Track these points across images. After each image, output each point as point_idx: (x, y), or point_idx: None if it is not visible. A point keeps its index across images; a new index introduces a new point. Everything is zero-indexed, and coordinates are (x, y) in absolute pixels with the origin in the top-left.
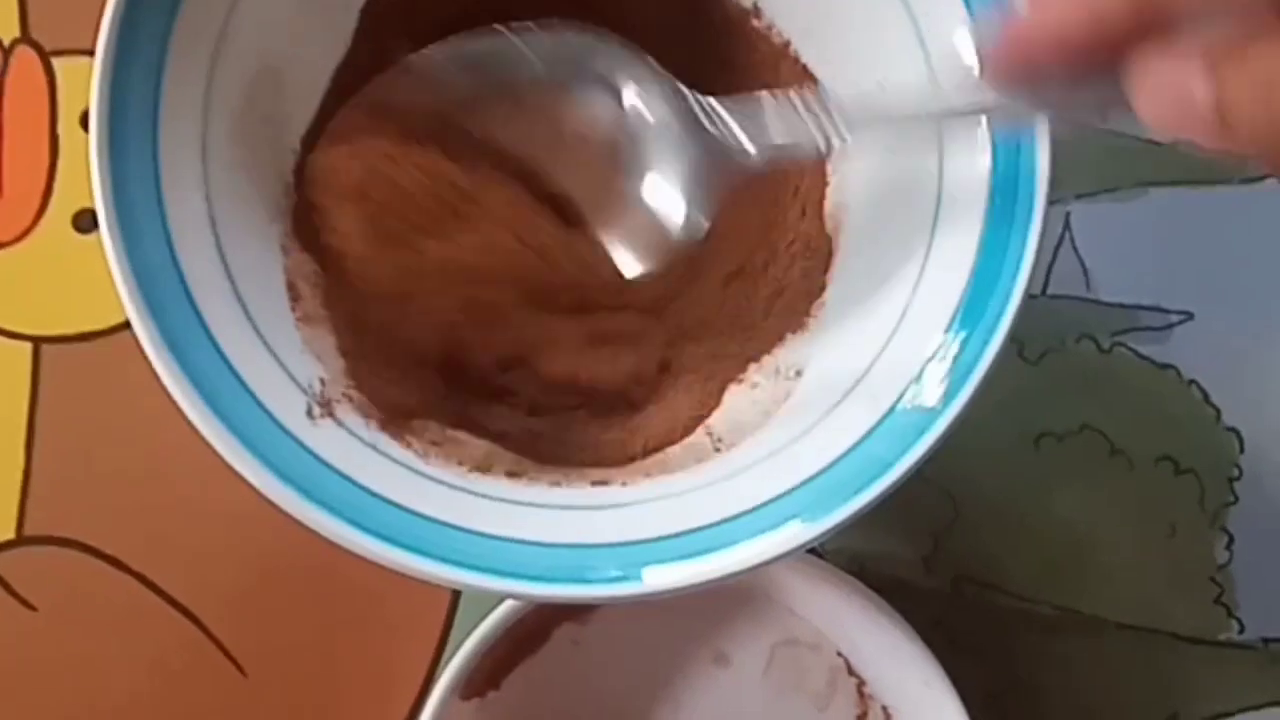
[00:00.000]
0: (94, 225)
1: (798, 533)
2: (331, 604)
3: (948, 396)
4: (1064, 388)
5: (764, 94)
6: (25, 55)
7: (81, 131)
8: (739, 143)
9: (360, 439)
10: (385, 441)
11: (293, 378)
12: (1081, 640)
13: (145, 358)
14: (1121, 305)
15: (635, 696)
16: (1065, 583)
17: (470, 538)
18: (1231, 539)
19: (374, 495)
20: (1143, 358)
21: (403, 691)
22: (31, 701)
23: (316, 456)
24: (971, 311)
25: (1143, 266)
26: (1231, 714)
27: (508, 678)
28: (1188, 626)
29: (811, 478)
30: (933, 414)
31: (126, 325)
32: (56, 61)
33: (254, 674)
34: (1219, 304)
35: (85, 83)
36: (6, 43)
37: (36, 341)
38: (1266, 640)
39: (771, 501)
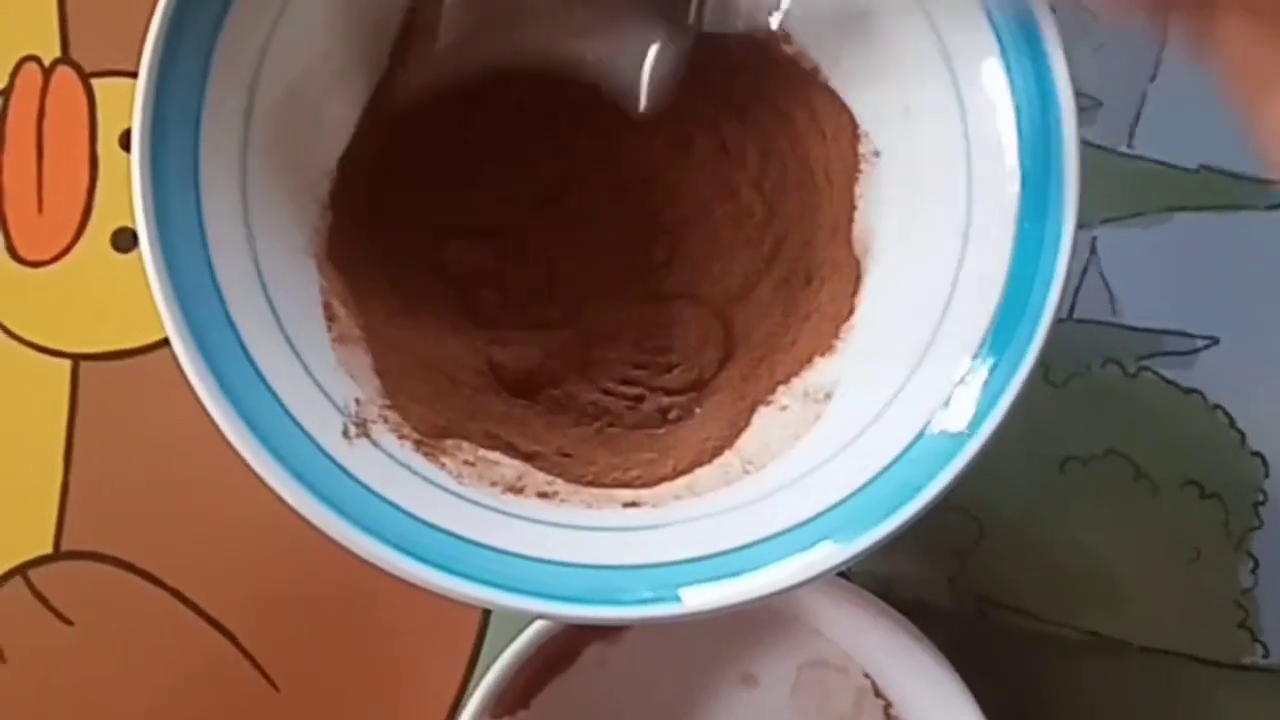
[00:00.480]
0: (133, 244)
1: (830, 554)
2: (364, 621)
3: (976, 422)
4: (1089, 412)
5: None
6: (66, 76)
7: (120, 152)
8: None
9: (395, 459)
10: (419, 462)
11: (329, 398)
12: (1104, 663)
13: (183, 376)
14: (1147, 330)
15: (663, 717)
16: (1089, 606)
17: (503, 558)
18: (1256, 563)
19: (408, 515)
20: (1168, 382)
21: (434, 709)
22: (67, 716)
23: (352, 476)
24: (1000, 337)
25: (1168, 291)
26: None
27: (537, 697)
28: (1211, 651)
29: (842, 500)
30: (961, 439)
31: (164, 343)
32: (96, 82)
33: (286, 689)
34: (1244, 329)
35: (124, 103)
36: (47, 63)
37: (75, 359)
38: None
39: (804, 524)
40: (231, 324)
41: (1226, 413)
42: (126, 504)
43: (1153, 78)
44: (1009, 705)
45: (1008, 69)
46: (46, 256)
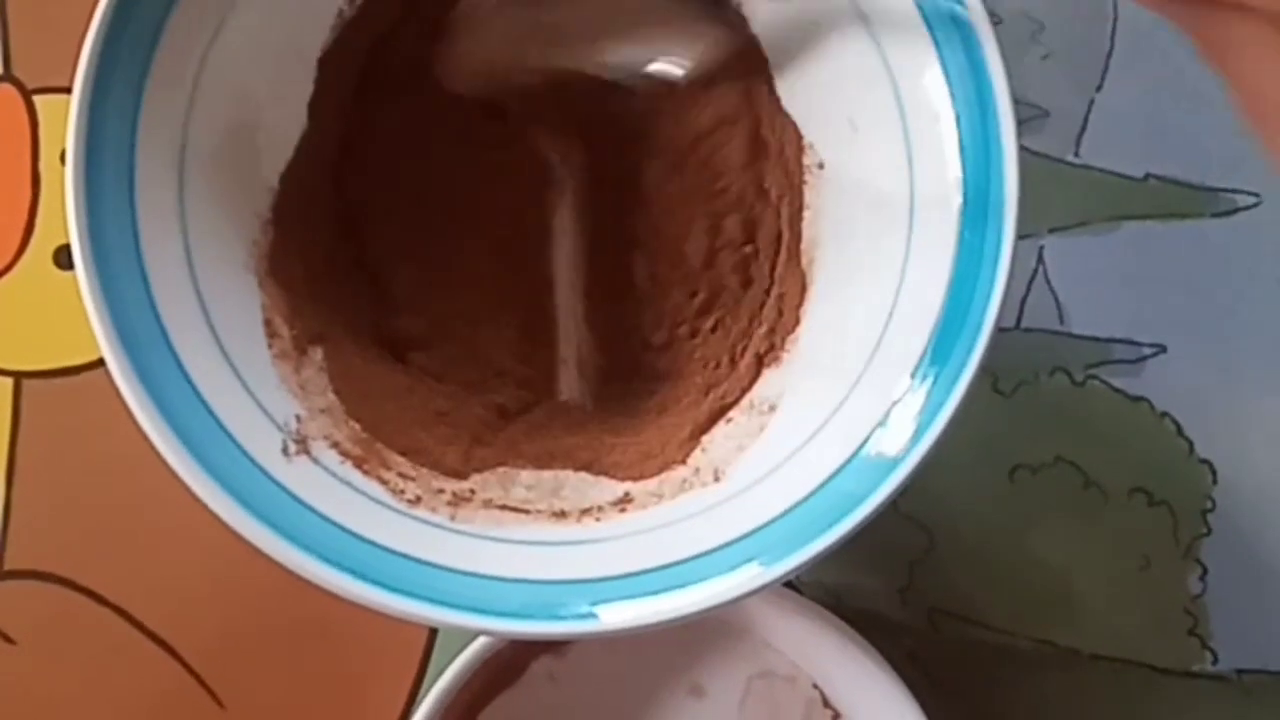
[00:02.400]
0: (73, 262)
1: (755, 575)
2: (310, 637)
3: (917, 435)
4: (1038, 420)
5: None
6: (7, 93)
7: (63, 168)
8: None
9: (334, 475)
10: (358, 478)
11: (268, 415)
12: (1056, 672)
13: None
14: (1095, 338)
15: None
16: (1040, 615)
17: (440, 573)
18: (1205, 570)
19: (346, 531)
20: (1116, 390)
21: None
22: None
23: (290, 493)
24: (941, 350)
25: (1116, 300)
26: None
27: (484, 711)
28: (1162, 658)
29: (775, 518)
30: (899, 456)
31: (103, 362)
32: (38, 99)
33: (232, 707)
34: (1191, 337)
35: (66, 120)
36: None
37: (17, 376)
38: (1240, 671)
39: (732, 543)
40: (168, 343)
41: (1174, 420)
42: (70, 522)
43: (1099, 87)
44: (960, 714)
45: (948, 80)
46: None
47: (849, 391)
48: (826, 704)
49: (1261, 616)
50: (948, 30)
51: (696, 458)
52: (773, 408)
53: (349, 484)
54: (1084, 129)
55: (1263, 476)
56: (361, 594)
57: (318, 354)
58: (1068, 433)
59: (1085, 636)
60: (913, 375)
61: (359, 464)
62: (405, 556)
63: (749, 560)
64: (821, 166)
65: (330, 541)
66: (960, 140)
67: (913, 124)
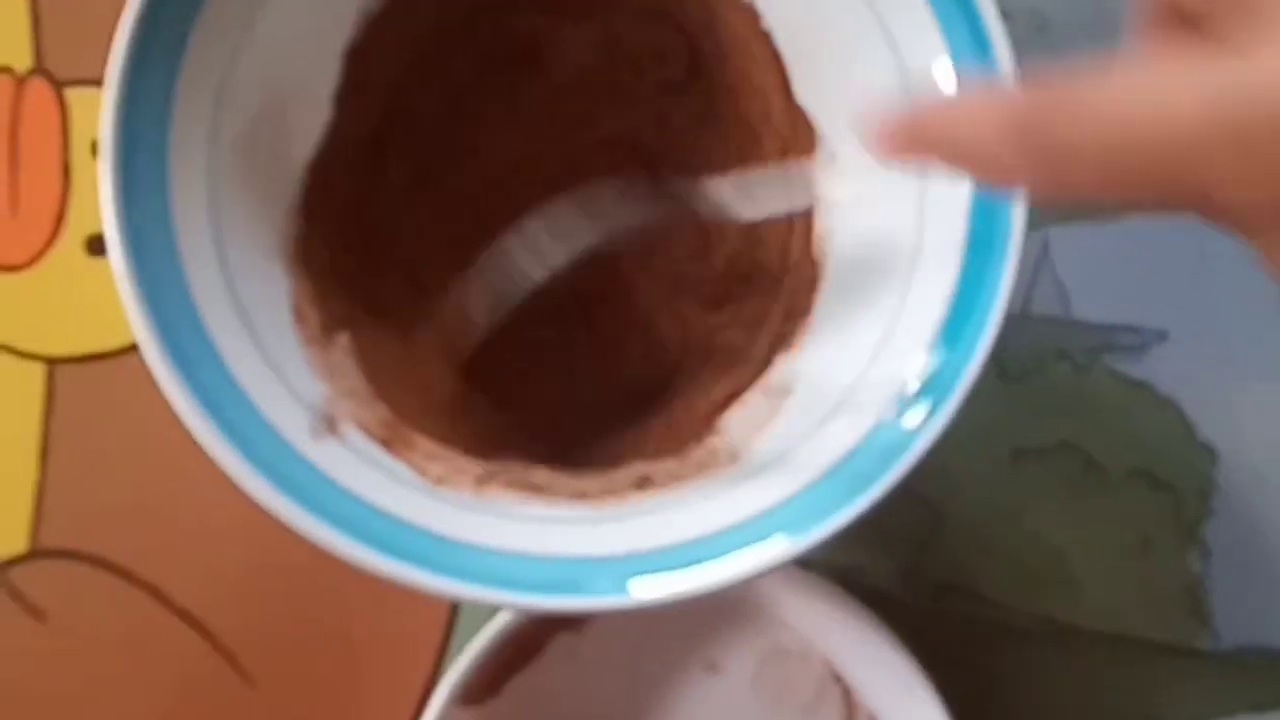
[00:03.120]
0: (104, 249)
1: (782, 547)
2: (337, 613)
3: (928, 416)
4: (1043, 405)
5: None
6: (39, 85)
7: (92, 159)
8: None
9: (362, 455)
10: (386, 459)
11: (298, 397)
12: (1060, 650)
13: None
14: (1099, 325)
15: (629, 704)
16: (1044, 594)
17: (466, 550)
18: (1207, 551)
19: (373, 508)
20: (1119, 376)
21: (405, 699)
22: (42, 712)
23: (318, 471)
24: (952, 334)
25: (1119, 288)
26: None
27: (506, 685)
28: (1163, 636)
29: (797, 493)
30: (914, 432)
31: (134, 348)
32: (69, 91)
33: (261, 684)
34: (1193, 323)
35: (97, 112)
36: (20, 73)
37: (50, 362)
38: (1241, 649)
39: (758, 516)
40: (201, 325)
41: (1176, 405)
42: (101, 502)
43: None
44: (967, 690)
45: (959, 70)
46: (22, 261)
47: (862, 373)
48: (837, 679)
49: (1262, 596)
50: (956, 22)
51: (713, 440)
52: (787, 391)
53: (376, 463)
54: None
55: (1263, 459)
56: (387, 569)
57: (344, 339)
58: (1072, 417)
59: (1088, 614)
60: (926, 356)
61: (386, 444)
62: (430, 533)
63: (775, 532)
64: (834, 159)
65: (357, 518)
66: None
67: None
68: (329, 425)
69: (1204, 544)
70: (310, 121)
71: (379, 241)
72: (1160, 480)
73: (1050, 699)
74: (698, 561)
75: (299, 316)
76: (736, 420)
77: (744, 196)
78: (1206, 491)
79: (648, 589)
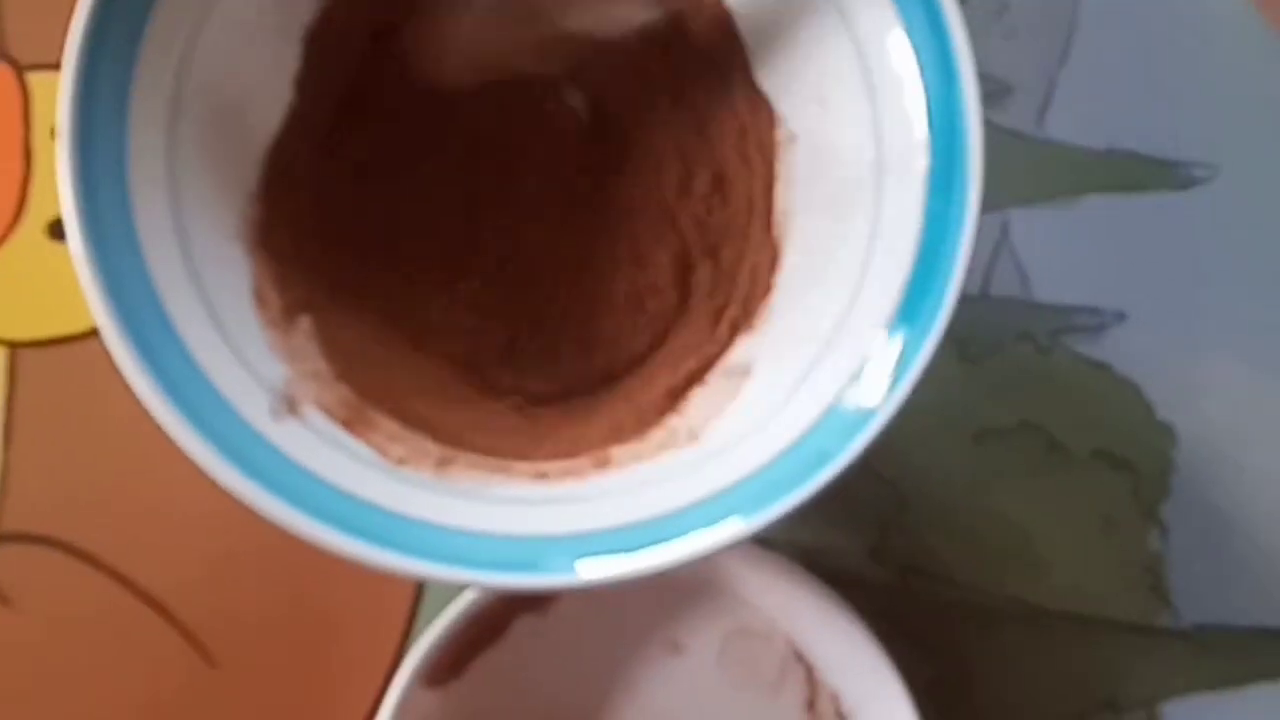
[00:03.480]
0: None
1: (735, 528)
2: (300, 595)
3: (889, 391)
4: (1004, 386)
5: None
6: (0, 70)
7: (53, 143)
8: None
9: (323, 436)
10: (348, 439)
11: (258, 378)
12: (1023, 628)
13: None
14: (1059, 306)
15: (593, 684)
16: (1007, 573)
17: (425, 528)
18: (1166, 530)
19: (333, 488)
20: (1079, 356)
21: (368, 680)
22: (3, 695)
23: (278, 451)
24: (909, 310)
25: (1079, 269)
26: (1166, 698)
27: (469, 666)
28: (1125, 614)
29: (753, 474)
30: (871, 411)
31: (97, 332)
32: (30, 75)
33: (223, 665)
34: (1152, 304)
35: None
36: None
37: (12, 346)
38: (1200, 627)
39: (711, 498)
40: (160, 308)
41: (1135, 384)
42: (65, 486)
43: (1063, 62)
44: (930, 668)
45: (914, 48)
46: None
47: (821, 353)
48: (800, 658)
49: (1220, 574)
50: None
51: (673, 420)
52: (747, 371)
53: (337, 444)
54: (1047, 104)
55: (1222, 439)
56: (347, 548)
57: (306, 322)
58: (1033, 397)
59: (1051, 593)
60: (884, 334)
61: (347, 425)
62: (390, 512)
63: (729, 514)
64: (793, 139)
65: (317, 498)
66: (927, 106)
67: (879, 92)
68: (290, 406)
69: (1163, 523)
70: (272, 104)
71: (341, 225)
72: (1121, 460)
73: (1014, 677)
74: (649, 543)
75: (260, 300)
76: (697, 400)
77: None
78: (1166, 471)
79: (595, 569)
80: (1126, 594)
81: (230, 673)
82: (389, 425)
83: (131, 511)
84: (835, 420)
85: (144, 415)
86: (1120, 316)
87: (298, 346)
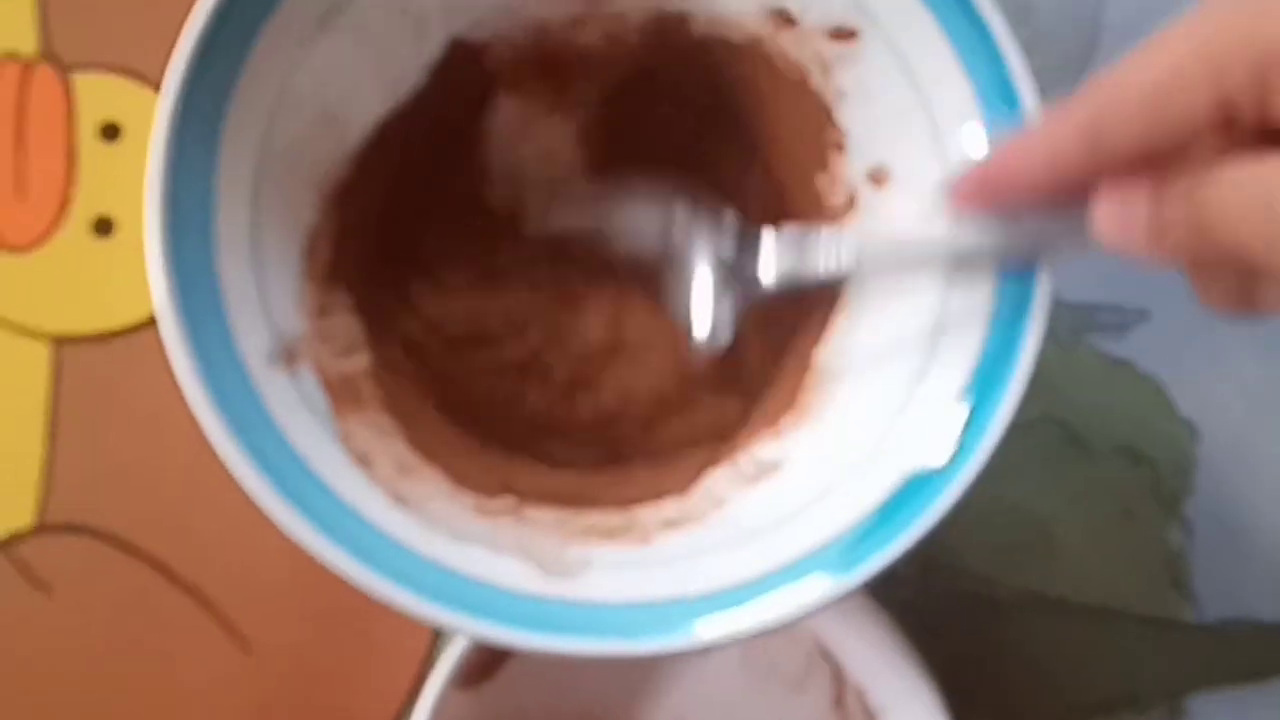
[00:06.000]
0: (110, 230)
1: (828, 585)
2: (336, 594)
3: (958, 460)
4: (1029, 383)
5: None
6: (45, 70)
7: (97, 142)
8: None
9: (307, 400)
10: (327, 412)
11: (270, 319)
12: (1045, 621)
13: (161, 357)
14: (1082, 305)
15: (622, 686)
16: (1027, 566)
17: (366, 528)
18: (1187, 525)
19: (302, 462)
20: (1102, 354)
21: (400, 680)
22: (45, 683)
23: (260, 402)
24: (981, 382)
25: (1102, 268)
26: (1191, 691)
27: (502, 669)
28: (1146, 609)
29: (836, 537)
30: (945, 475)
31: (141, 327)
32: (75, 76)
33: (260, 657)
34: (1174, 302)
35: (102, 96)
36: (27, 57)
37: (57, 341)
38: (1224, 621)
39: (802, 558)
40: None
41: (1157, 382)
42: (107, 478)
43: (1087, 66)
44: (953, 662)
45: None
46: (28, 241)
47: (893, 421)
48: (827, 656)
49: (1244, 569)
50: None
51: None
52: (776, 468)
53: (313, 410)
54: None
55: (1242, 435)
56: (293, 527)
57: (344, 295)
58: (1057, 394)
59: (1070, 587)
60: (959, 401)
61: (332, 398)
62: (339, 496)
63: (817, 571)
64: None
65: (271, 452)
66: None
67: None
68: (288, 358)
69: (1185, 518)
70: (393, 83)
71: (414, 217)
72: (1142, 456)
73: (1034, 670)
74: (758, 598)
75: (311, 250)
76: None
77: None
78: (1187, 467)
79: (712, 630)
80: (1147, 588)
81: (265, 661)
82: (373, 415)
83: (171, 503)
84: (912, 486)
85: (183, 407)
86: (1143, 315)
87: (329, 305)
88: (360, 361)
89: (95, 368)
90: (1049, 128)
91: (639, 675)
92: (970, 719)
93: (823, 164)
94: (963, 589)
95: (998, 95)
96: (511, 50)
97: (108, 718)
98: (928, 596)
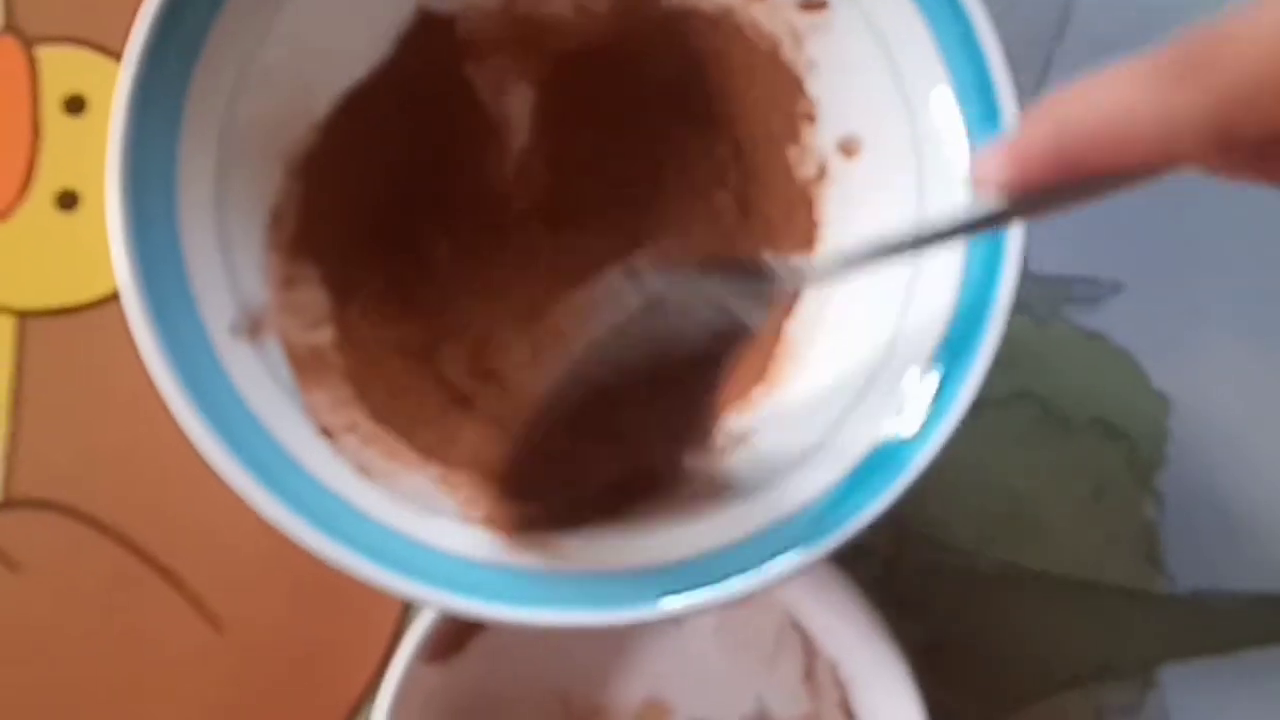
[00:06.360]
0: (75, 204)
1: (799, 557)
2: (307, 570)
3: (926, 429)
4: (1003, 356)
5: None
6: (8, 43)
7: (62, 115)
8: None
9: (272, 371)
10: (290, 383)
11: (236, 289)
12: (1019, 595)
13: (126, 331)
14: (1056, 278)
15: (594, 658)
16: (1005, 539)
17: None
18: (1161, 497)
19: (258, 424)
20: (1076, 327)
21: (372, 646)
22: (11, 659)
23: (225, 373)
24: (950, 351)
25: (1076, 241)
26: (1163, 662)
27: (471, 642)
28: (1121, 580)
29: (805, 507)
30: (912, 445)
31: (106, 301)
32: (39, 49)
33: (229, 633)
34: (1148, 275)
35: (66, 69)
36: None
37: (21, 315)
38: (1196, 593)
39: (771, 528)
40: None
41: (1131, 354)
42: (72, 452)
43: (1059, 39)
44: (927, 634)
45: (961, 106)
46: None
47: (860, 396)
48: (797, 628)
49: (1216, 541)
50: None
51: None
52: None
53: (278, 383)
54: (1043, 79)
55: (1216, 407)
56: (257, 500)
57: (311, 269)
58: (1032, 367)
59: (1046, 559)
60: (925, 370)
61: (297, 370)
62: (302, 464)
63: (793, 544)
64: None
65: (236, 424)
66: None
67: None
68: (253, 330)
69: (1158, 491)
70: (360, 53)
71: (383, 189)
72: (1116, 429)
73: (1010, 642)
74: (727, 575)
75: (276, 219)
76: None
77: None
78: (1161, 439)
79: (678, 601)
80: (1121, 560)
81: (236, 638)
82: (337, 387)
83: (138, 478)
84: (879, 456)
85: (147, 383)
86: (1117, 287)
87: (295, 277)
88: (327, 334)
89: (60, 342)
90: None
91: (612, 648)
92: (947, 690)
93: (794, 136)
94: (937, 561)
95: (967, 63)
96: (481, 20)
97: (78, 696)
98: (906, 570)
